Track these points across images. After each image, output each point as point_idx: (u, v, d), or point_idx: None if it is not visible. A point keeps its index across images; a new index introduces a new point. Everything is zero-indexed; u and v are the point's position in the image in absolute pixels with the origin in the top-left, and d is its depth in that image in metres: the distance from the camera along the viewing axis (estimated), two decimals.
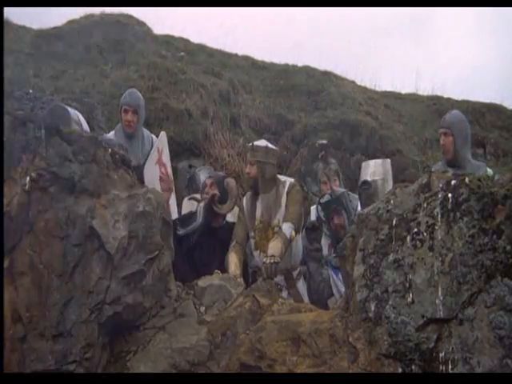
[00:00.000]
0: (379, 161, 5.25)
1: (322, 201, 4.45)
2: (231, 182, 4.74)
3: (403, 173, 8.03)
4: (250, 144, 4.54)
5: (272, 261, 3.86)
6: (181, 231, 4.43)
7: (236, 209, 4.66)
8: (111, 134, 4.88)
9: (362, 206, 4.29)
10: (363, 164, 4.96)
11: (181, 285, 3.49)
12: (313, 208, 4.65)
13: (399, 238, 2.68)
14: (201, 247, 4.48)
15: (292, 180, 4.55)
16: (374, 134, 9.29)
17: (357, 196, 4.61)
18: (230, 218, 4.81)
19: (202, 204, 4.59)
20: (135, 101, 4.86)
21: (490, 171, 4.41)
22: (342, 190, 4.39)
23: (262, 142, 4.54)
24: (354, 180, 4.86)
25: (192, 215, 4.58)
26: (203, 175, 5.15)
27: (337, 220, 4.08)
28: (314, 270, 3.91)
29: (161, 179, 4.76)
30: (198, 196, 4.84)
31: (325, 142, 8.70)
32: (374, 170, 4.87)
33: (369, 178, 4.70)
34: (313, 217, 4.60)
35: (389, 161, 5.18)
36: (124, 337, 3.19)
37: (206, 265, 4.27)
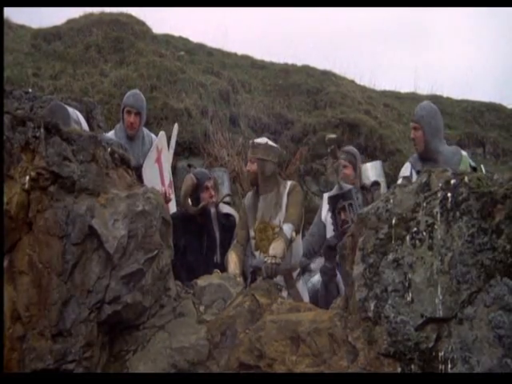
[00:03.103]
0: (378, 162, 5.29)
1: (330, 194, 4.46)
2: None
3: None
4: (251, 141, 4.52)
5: (273, 261, 3.85)
6: None
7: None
8: (111, 134, 4.88)
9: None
10: (363, 167, 4.96)
11: (180, 284, 3.49)
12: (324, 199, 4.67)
13: (398, 237, 2.68)
14: (190, 247, 4.45)
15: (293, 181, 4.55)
16: (373, 133, 9.30)
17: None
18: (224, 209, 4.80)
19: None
20: (139, 103, 4.83)
21: (464, 154, 4.41)
22: (350, 186, 4.42)
23: (262, 140, 4.50)
24: None
25: None
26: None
27: (343, 215, 4.14)
28: (327, 283, 4.17)
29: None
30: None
31: (334, 136, 8.69)
32: (377, 171, 4.91)
33: (378, 179, 4.74)
34: (324, 210, 4.63)
35: (381, 162, 5.29)
36: (123, 336, 3.19)
37: (196, 267, 4.28)
